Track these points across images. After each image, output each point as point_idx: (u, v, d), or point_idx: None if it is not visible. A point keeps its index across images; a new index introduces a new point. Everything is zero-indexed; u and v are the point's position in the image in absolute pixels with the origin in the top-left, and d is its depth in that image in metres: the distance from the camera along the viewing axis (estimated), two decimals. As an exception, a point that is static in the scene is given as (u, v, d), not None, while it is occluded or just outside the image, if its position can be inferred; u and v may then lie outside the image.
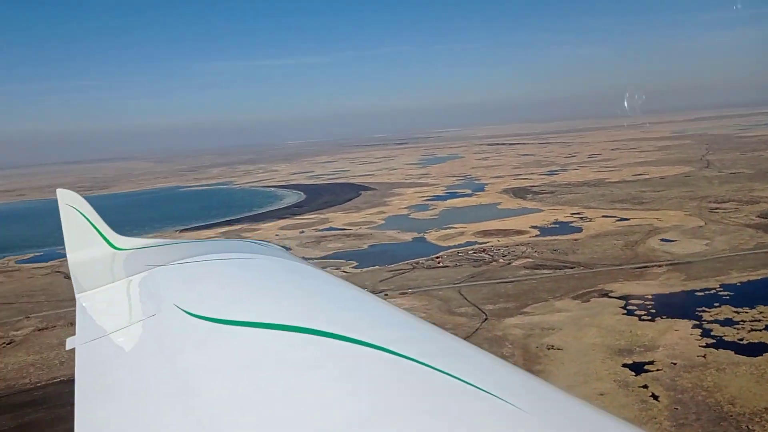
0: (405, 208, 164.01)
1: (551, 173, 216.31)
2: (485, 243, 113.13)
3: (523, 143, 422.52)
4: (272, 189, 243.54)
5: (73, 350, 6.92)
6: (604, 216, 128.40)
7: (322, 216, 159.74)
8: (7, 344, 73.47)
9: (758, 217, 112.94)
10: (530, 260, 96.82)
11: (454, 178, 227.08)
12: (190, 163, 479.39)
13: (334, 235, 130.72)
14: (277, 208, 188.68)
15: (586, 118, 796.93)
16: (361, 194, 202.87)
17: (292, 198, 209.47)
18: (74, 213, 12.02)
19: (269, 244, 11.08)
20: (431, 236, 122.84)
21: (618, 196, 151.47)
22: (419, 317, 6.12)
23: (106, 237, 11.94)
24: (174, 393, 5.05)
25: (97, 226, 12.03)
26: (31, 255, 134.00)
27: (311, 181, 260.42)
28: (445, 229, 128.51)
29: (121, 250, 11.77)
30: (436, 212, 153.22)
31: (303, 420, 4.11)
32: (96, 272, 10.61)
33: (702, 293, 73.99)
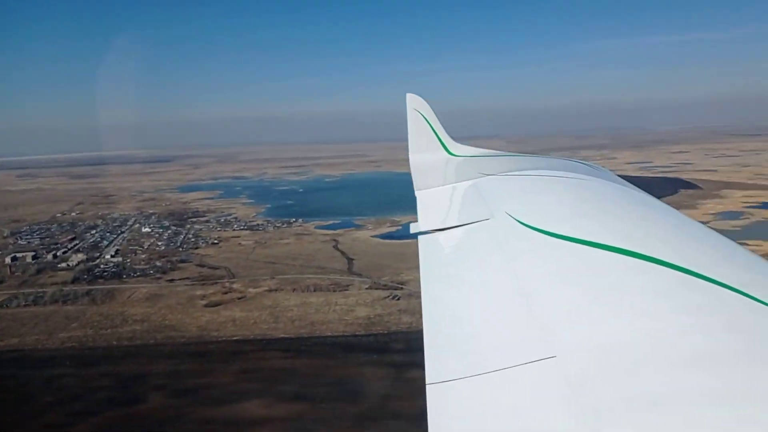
0: (712, 214, 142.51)
1: None
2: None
3: None
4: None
5: None
6: None
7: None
8: (239, 299, 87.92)
9: None
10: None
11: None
12: (538, 146, 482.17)
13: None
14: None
15: None
16: (678, 193, 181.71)
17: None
18: (419, 117, 13.06)
19: (600, 167, 10.96)
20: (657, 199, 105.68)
21: None
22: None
23: (444, 143, 12.82)
24: (509, 292, 5.43)
25: (437, 132, 12.91)
26: (331, 222, 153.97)
27: (638, 173, 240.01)
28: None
29: (457, 156, 12.53)
30: (745, 223, 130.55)
31: (637, 344, 4.11)
32: (433, 173, 11.52)
33: None
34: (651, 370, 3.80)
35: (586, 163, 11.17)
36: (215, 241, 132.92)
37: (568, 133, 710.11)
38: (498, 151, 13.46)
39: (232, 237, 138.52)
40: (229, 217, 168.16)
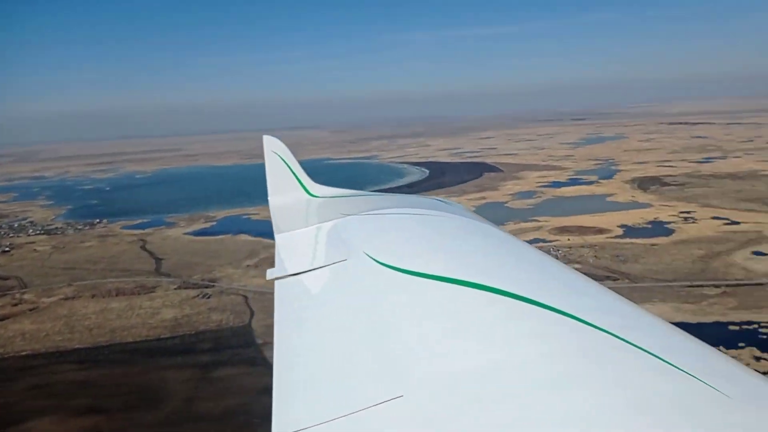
0: (510, 194, 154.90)
1: (705, 161, 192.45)
2: (552, 242, 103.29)
3: (709, 123, 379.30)
4: (405, 166, 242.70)
5: None
6: (713, 217, 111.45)
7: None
8: (30, 310, 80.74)
9: None
10: (578, 266, 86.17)
11: (594, 162, 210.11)
12: (359, 135, 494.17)
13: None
14: (390, 186, 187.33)
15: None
16: (483, 176, 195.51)
17: (414, 177, 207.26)
18: (277, 159, 12.68)
19: (455, 203, 11.07)
20: (504, 230, 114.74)
21: (755, 195, 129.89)
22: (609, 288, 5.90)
23: (304, 184, 12.54)
24: (364, 332, 5.42)
25: (296, 173, 12.63)
26: (139, 221, 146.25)
27: (449, 159, 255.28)
28: (528, 222, 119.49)
29: (316, 197, 12.31)
30: (537, 201, 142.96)
31: (484, 375, 4.24)
32: (293, 216, 11.28)
33: (739, 327, 61.18)
34: (498, 400, 3.96)
35: (441, 199, 11.75)
36: (6, 249, 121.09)
37: (386, 122, 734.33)
38: (358, 191, 13.53)
39: (27, 243, 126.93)
40: (23, 222, 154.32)
